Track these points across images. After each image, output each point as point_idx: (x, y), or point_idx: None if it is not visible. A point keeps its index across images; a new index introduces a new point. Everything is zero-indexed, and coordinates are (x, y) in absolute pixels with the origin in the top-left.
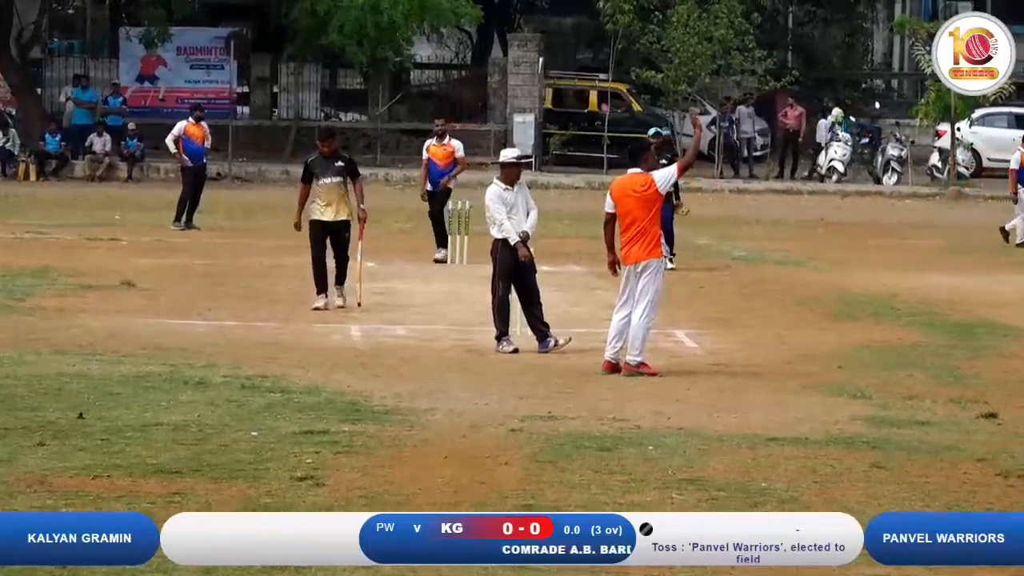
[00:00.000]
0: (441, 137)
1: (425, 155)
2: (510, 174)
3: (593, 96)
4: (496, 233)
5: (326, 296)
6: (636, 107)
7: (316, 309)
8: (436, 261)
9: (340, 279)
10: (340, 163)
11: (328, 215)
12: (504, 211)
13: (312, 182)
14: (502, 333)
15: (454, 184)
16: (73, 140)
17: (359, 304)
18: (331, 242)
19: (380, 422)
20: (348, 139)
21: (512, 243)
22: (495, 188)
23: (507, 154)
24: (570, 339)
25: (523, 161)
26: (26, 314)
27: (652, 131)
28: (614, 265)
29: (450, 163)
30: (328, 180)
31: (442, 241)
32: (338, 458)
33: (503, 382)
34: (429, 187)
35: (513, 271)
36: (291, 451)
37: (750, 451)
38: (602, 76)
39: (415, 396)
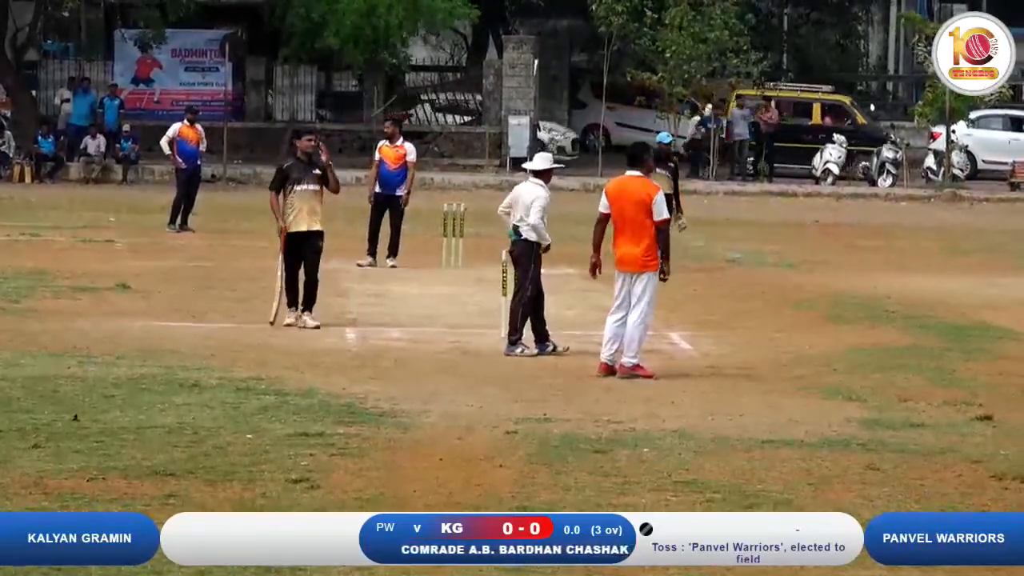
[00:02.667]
0: (393, 139)
1: (377, 156)
2: (549, 177)
3: (817, 109)
4: (534, 235)
5: (297, 310)
6: (860, 120)
7: (289, 325)
8: (359, 266)
9: (310, 302)
10: (317, 171)
11: (303, 225)
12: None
13: (284, 189)
14: (519, 337)
15: (404, 191)
16: (68, 142)
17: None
18: (305, 254)
19: (375, 424)
20: (344, 141)
21: (545, 245)
22: (544, 190)
23: (548, 159)
24: (568, 348)
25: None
26: (21, 316)
27: (660, 137)
28: (595, 268)
29: (401, 166)
30: (305, 187)
31: (372, 249)
32: (333, 460)
33: (498, 384)
34: (378, 188)
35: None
36: (286, 453)
37: (745, 453)
38: (825, 88)
39: (410, 398)
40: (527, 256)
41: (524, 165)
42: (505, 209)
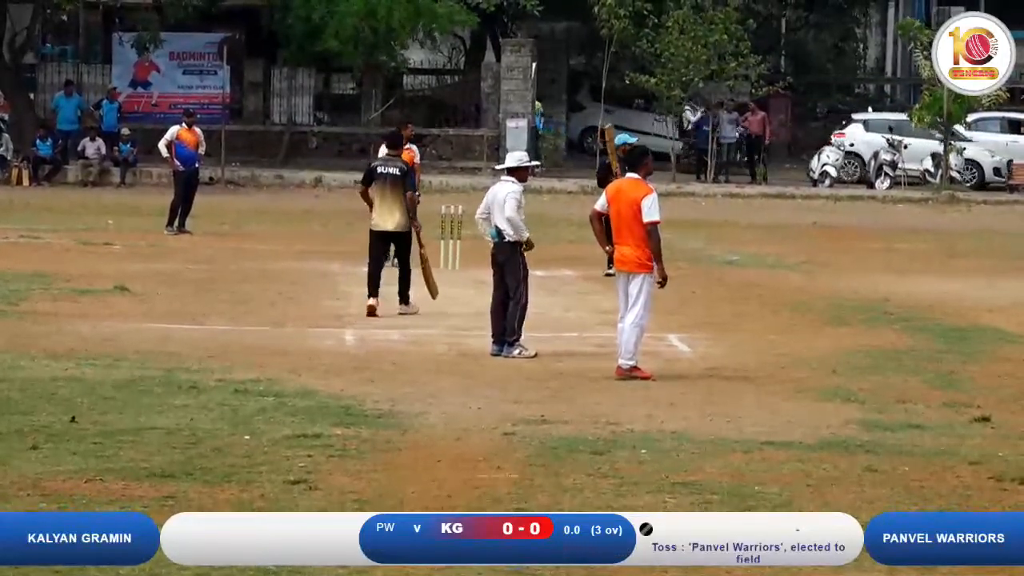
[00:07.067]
0: (406, 142)
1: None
2: (524, 176)
3: None
4: (518, 235)
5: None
6: None
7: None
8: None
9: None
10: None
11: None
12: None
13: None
14: (518, 338)
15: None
16: (66, 145)
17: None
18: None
19: (373, 426)
20: (343, 143)
21: (526, 240)
22: (517, 186)
23: (521, 158)
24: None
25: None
26: (19, 318)
27: (620, 140)
28: (611, 255)
29: None
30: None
31: None
32: (331, 462)
33: (496, 386)
34: None
35: None
36: (284, 455)
37: (744, 455)
38: None
39: (408, 400)
40: (513, 257)
41: (496, 166)
42: (483, 214)
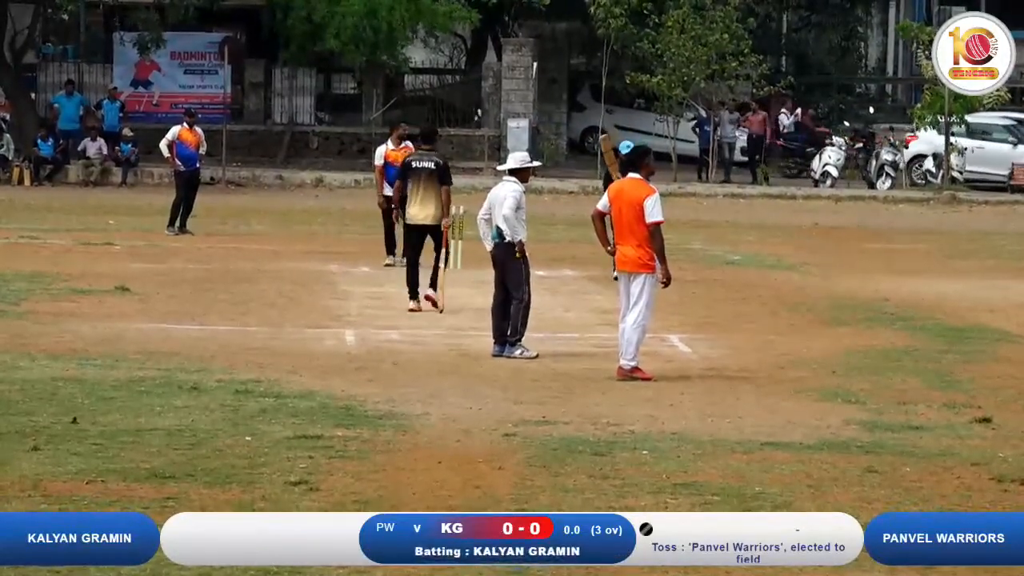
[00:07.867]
0: (400, 141)
1: (381, 161)
2: (526, 176)
3: None
4: (512, 235)
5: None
6: None
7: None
8: (387, 266)
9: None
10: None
11: None
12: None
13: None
14: (519, 339)
15: None
16: (67, 144)
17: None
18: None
19: (374, 427)
20: (344, 144)
21: (518, 242)
22: (518, 186)
23: (522, 159)
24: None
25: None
26: (20, 318)
27: (624, 147)
28: (613, 254)
29: None
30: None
31: (392, 247)
32: (332, 463)
33: (497, 387)
34: (388, 192)
35: None
36: (285, 456)
37: (744, 455)
38: None
39: (409, 401)
40: (512, 257)
41: (498, 167)
42: (485, 215)
